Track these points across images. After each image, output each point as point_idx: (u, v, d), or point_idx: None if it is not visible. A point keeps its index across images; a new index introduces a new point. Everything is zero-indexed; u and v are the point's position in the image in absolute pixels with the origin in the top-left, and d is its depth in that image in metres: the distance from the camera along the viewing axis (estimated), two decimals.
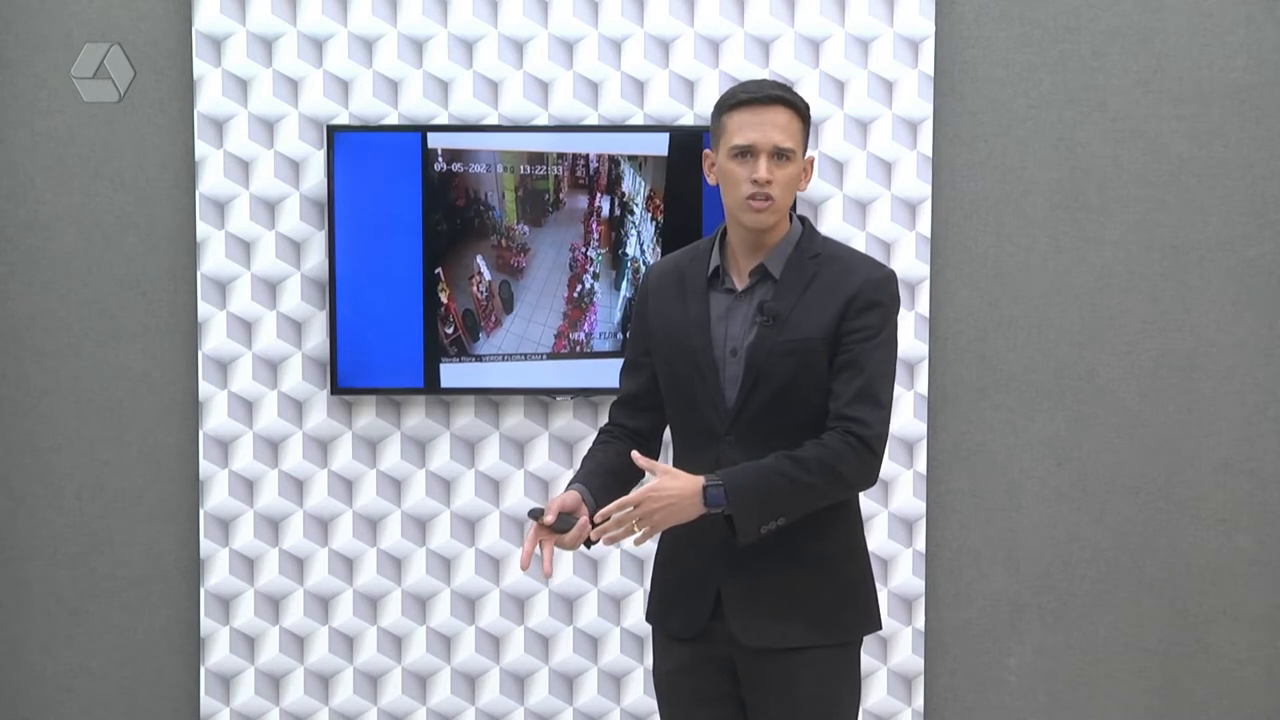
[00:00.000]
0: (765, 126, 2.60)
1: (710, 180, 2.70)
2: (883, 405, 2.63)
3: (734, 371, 2.65)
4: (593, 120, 3.88)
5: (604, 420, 3.86)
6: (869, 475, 2.64)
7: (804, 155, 2.67)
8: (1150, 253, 3.95)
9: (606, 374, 3.83)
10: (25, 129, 3.92)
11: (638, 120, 3.88)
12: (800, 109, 2.65)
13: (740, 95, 2.63)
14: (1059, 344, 3.96)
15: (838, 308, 2.63)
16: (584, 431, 3.91)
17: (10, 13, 3.90)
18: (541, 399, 3.91)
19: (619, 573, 3.94)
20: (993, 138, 3.93)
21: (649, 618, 2.85)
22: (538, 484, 3.94)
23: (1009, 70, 3.92)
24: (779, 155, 2.61)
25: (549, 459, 3.93)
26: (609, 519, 2.54)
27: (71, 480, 3.98)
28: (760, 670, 2.69)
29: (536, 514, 2.60)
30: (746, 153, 2.61)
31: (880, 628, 2.77)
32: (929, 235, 3.90)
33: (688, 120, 3.88)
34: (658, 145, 3.81)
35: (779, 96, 2.62)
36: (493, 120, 3.88)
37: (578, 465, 3.86)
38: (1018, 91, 3.92)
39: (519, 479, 3.94)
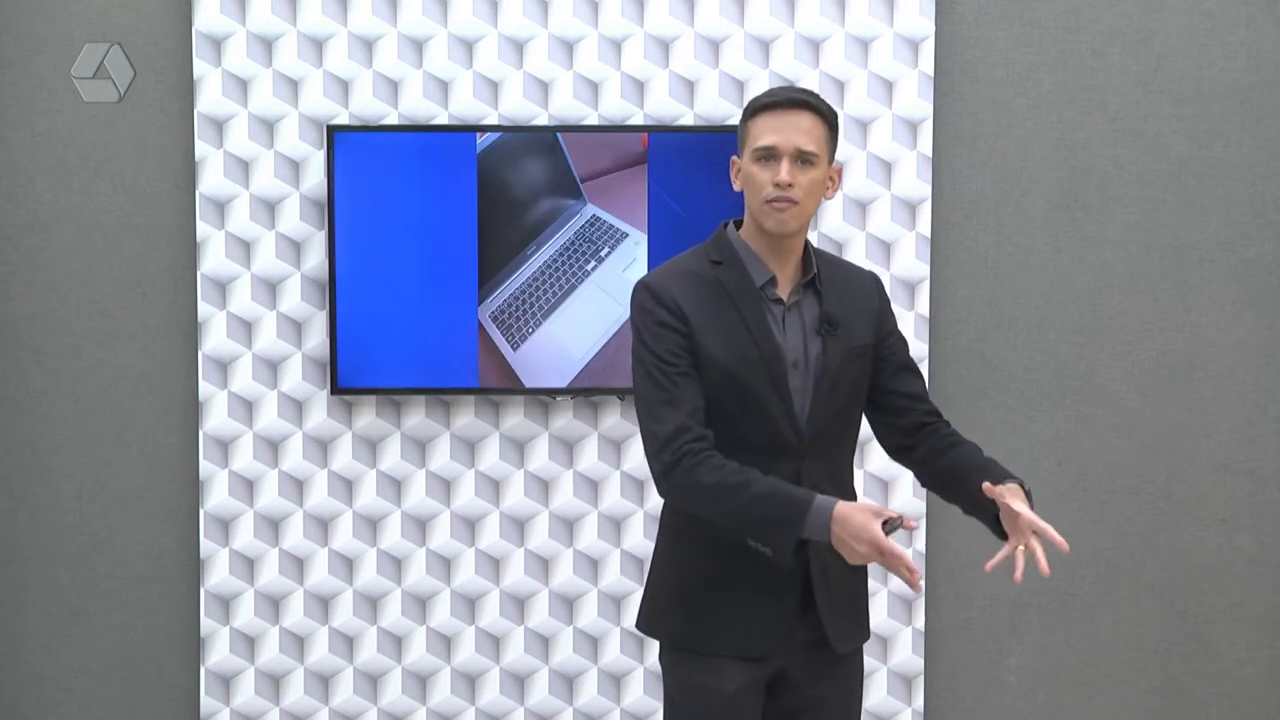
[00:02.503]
0: (788, 130, 2.58)
1: (735, 186, 2.69)
2: None
3: (798, 384, 2.62)
4: (593, 120, 3.88)
5: (607, 423, 3.91)
6: None
7: (830, 162, 2.64)
8: (1150, 253, 3.95)
9: (605, 374, 3.83)
10: (25, 129, 3.92)
11: (638, 120, 3.88)
12: (826, 114, 2.62)
13: (765, 100, 2.61)
14: (1059, 344, 3.96)
15: (873, 313, 2.72)
16: (584, 431, 3.91)
17: (10, 13, 3.90)
18: (541, 399, 3.91)
19: (619, 573, 3.94)
20: (993, 138, 3.93)
21: (693, 640, 2.68)
22: (538, 484, 3.94)
23: (1009, 70, 3.92)
24: (802, 159, 2.58)
25: (549, 459, 3.93)
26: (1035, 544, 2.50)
27: (71, 480, 3.98)
28: (815, 674, 2.70)
29: (896, 525, 2.45)
30: (769, 155, 2.59)
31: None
32: (929, 235, 3.91)
33: (688, 120, 3.88)
34: (655, 145, 3.82)
35: (803, 101, 2.60)
36: (493, 120, 3.88)
37: (578, 466, 3.91)
38: (1018, 91, 3.92)
39: (519, 479, 3.94)
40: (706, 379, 2.62)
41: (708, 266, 2.66)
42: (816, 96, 2.62)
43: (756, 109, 2.62)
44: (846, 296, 2.69)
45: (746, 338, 2.61)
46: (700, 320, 2.62)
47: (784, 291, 2.66)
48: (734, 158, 2.70)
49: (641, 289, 2.65)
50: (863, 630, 2.76)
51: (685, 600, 2.68)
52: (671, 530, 2.72)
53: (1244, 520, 3.98)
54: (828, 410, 2.63)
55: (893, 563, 2.41)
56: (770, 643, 2.64)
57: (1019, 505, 2.47)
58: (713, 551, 2.64)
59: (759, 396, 2.59)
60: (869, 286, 2.75)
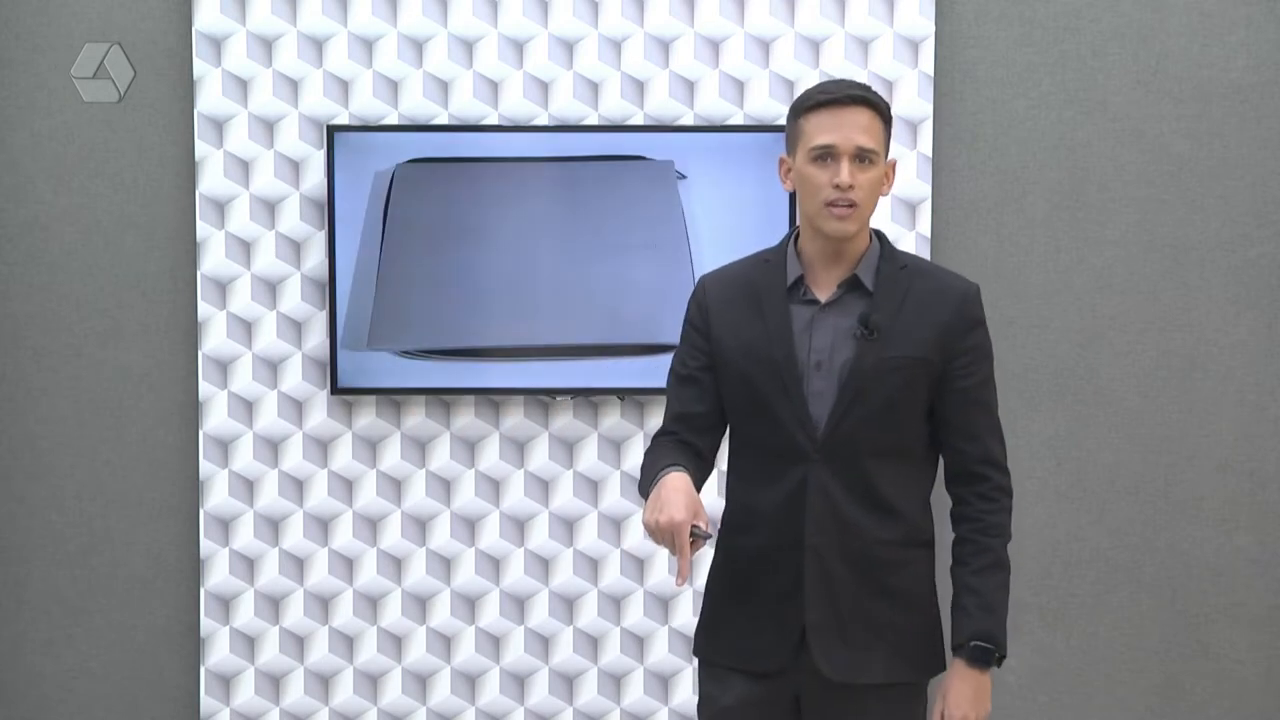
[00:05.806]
0: (846, 128, 2.48)
1: (786, 187, 2.58)
2: (1003, 439, 2.65)
3: (819, 386, 2.53)
4: (593, 120, 3.88)
5: (607, 423, 3.91)
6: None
7: (886, 158, 2.54)
8: (1150, 253, 3.95)
9: (605, 374, 3.83)
10: (25, 129, 3.92)
11: (638, 120, 3.88)
12: (882, 109, 2.52)
13: (819, 96, 2.50)
14: (1059, 344, 3.96)
15: (943, 325, 2.56)
16: (584, 431, 3.91)
17: (10, 13, 3.90)
18: (541, 399, 3.91)
19: (619, 573, 3.94)
20: (993, 138, 3.93)
21: (707, 651, 2.67)
22: (538, 484, 3.94)
23: (1009, 70, 3.92)
24: (861, 158, 2.49)
25: (549, 459, 3.93)
26: None
27: (71, 480, 3.98)
28: (833, 705, 2.58)
29: (700, 533, 2.40)
30: (827, 155, 2.48)
31: (945, 668, 2.68)
32: (929, 235, 3.90)
33: (688, 120, 3.88)
34: (655, 145, 3.82)
35: (860, 96, 2.50)
36: (493, 120, 3.88)
37: (578, 466, 3.91)
38: (1018, 91, 3.92)
39: (519, 479, 3.94)
40: (725, 379, 2.61)
41: (757, 266, 2.64)
42: (871, 90, 2.53)
43: (810, 106, 2.51)
44: (909, 304, 2.55)
45: (764, 340, 2.56)
46: (726, 322, 2.60)
47: (824, 292, 2.57)
48: (783, 156, 2.59)
49: (696, 284, 2.71)
50: (889, 664, 2.59)
51: (710, 611, 2.68)
52: (717, 543, 2.70)
53: (1244, 520, 3.98)
54: (853, 416, 2.52)
55: (676, 550, 2.37)
56: (772, 660, 2.57)
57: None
58: (732, 563, 2.62)
59: (767, 398, 2.54)
60: (949, 300, 2.58)
